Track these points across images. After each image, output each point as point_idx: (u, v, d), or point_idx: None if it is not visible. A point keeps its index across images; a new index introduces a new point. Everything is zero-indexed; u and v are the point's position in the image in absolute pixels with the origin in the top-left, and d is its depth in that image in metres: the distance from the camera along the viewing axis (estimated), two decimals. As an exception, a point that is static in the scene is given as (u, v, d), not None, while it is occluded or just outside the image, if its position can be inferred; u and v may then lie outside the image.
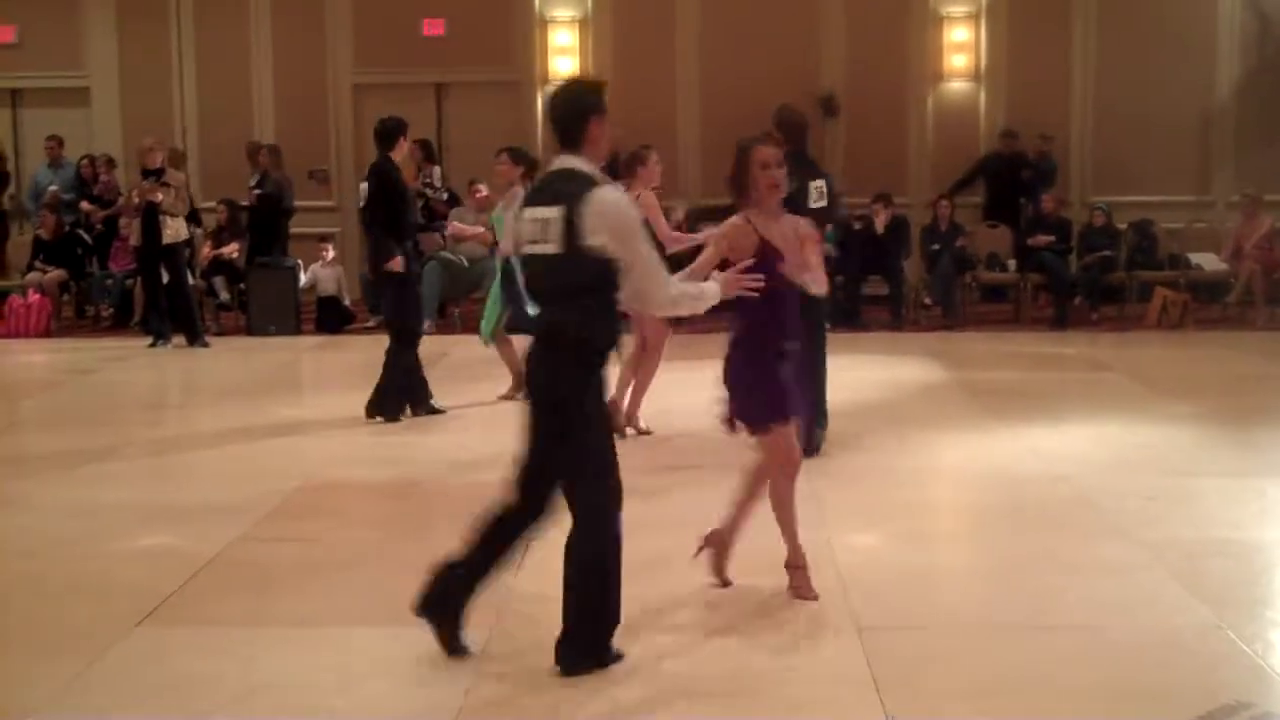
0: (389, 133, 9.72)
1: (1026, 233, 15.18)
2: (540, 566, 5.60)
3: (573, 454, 4.89)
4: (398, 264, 9.48)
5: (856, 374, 10.73)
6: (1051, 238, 14.82)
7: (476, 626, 5.18)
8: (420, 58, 16.65)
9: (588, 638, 4.92)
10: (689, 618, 5.57)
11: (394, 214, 9.61)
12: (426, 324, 14.06)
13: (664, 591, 5.77)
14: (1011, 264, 15.26)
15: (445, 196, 15.73)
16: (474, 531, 5.08)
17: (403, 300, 9.68)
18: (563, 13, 16.63)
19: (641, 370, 9.05)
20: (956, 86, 16.59)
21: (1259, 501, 7.39)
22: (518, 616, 5.54)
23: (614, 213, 4.77)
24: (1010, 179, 15.98)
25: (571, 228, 4.74)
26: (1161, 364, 12.38)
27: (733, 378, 5.65)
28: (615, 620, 4.96)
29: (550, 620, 5.02)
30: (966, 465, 8.44)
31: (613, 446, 4.98)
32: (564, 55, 16.61)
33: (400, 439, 9.26)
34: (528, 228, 4.91)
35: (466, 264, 14.44)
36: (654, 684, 4.86)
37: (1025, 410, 9.90)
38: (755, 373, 5.61)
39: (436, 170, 16.01)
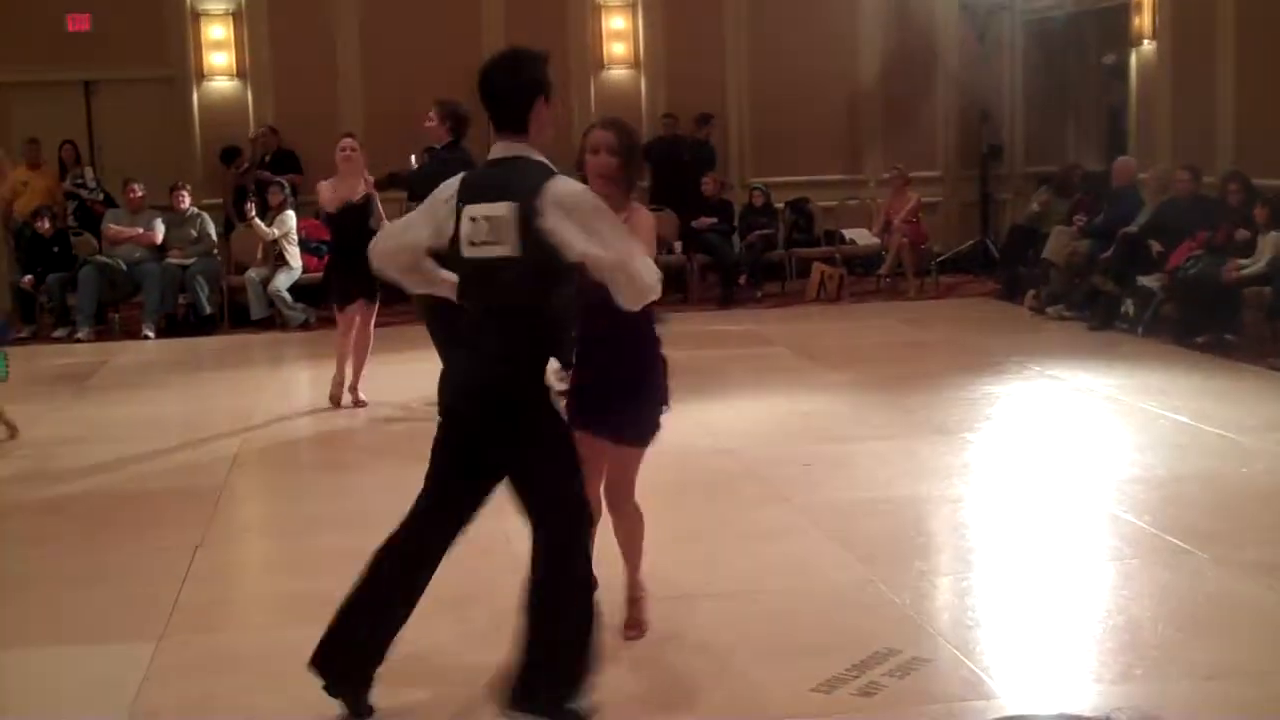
0: None
1: (690, 216, 15.56)
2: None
3: (535, 469, 4.33)
4: None
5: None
6: (714, 219, 15.24)
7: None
8: (66, 54, 15.89)
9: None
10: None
11: None
12: (84, 331, 13.61)
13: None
14: (678, 246, 15.63)
15: (101, 197, 15.14)
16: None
17: None
18: (216, 6, 16.14)
19: (359, 346, 9.73)
20: (617, 74, 16.88)
21: (908, 461, 7.81)
22: (185, 629, 5.41)
23: (576, 202, 4.18)
24: (673, 163, 16.34)
25: (528, 226, 4.14)
26: (821, 336, 12.91)
27: (658, 379, 5.17)
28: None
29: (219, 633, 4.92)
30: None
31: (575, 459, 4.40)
32: (219, 50, 16.11)
33: (57, 450, 8.85)
34: (470, 227, 4.23)
35: (125, 267, 13.91)
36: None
37: (695, 387, 10.09)
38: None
39: (89, 170, 15.37)
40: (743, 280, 15.30)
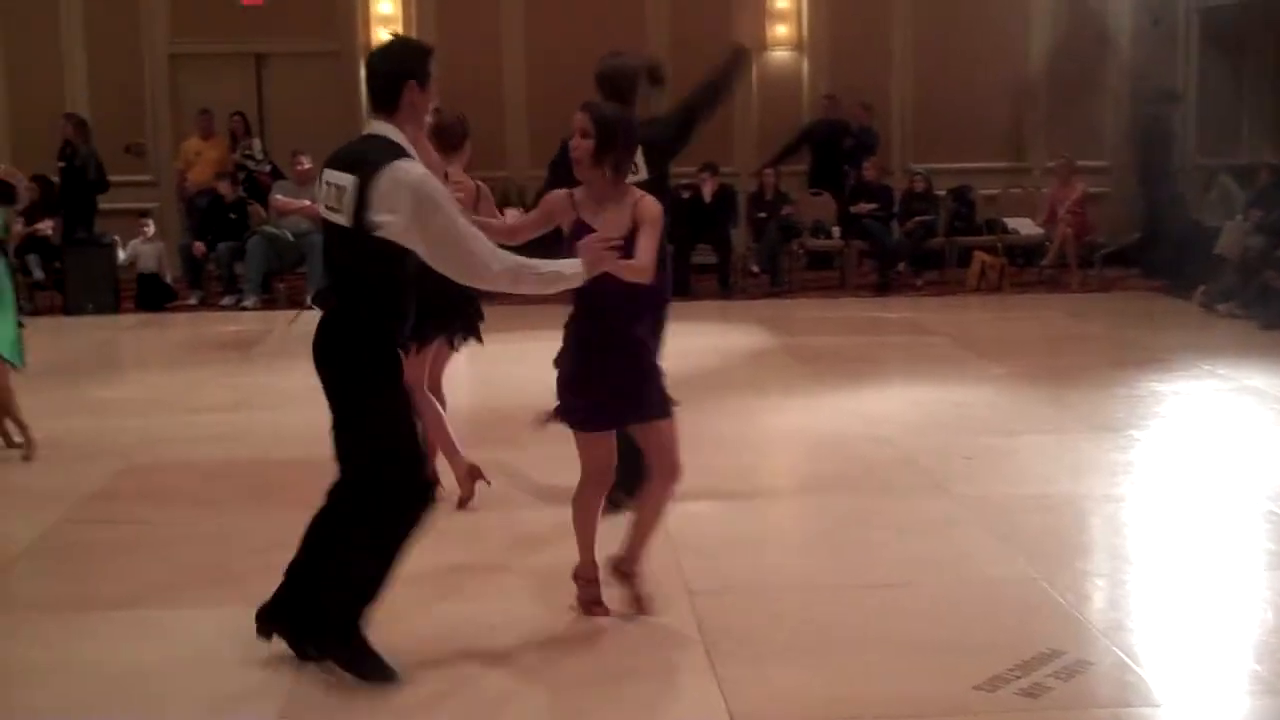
0: None
1: (850, 200, 15.42)
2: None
3: (357, 433, 4.60)
4: None
5: (685, 342, 10.75)
6: (874, 205, 15.08)
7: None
8: (239, 27, 16.26)
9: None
10: (518, 583, 5.59)
11: None
12: (250, 299, 13.94)
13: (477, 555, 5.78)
14: (836, 231, 15.50)
15: (268, 169, 15.47)
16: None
17: None
18: (385, -19, 16.39)
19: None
20: (780, 56, 16.77)
21: (1071, 457, 7.64)
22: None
23: (410, 188, 4.33)
24: (834, 147, 16.21)
25: (362, 200, 4.35)
26: (980, 326, 12.71)
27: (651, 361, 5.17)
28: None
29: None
30: (793, 429, 8.58)
31: (407, 437, 4.58)
32: (387, 24, 16.36)
33: (224, 417, 9.09)
34: (324, 191, 4.55)
35: (291, 238, 14.20)
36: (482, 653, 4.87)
37: (850, 374, 10.09)
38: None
39: (257, 143, 15.72)
40: (901, 267, 15.12)
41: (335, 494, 4.71)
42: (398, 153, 4.42)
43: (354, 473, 4.63)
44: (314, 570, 4.69)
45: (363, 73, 15.89)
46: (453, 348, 6.69)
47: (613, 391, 4.98)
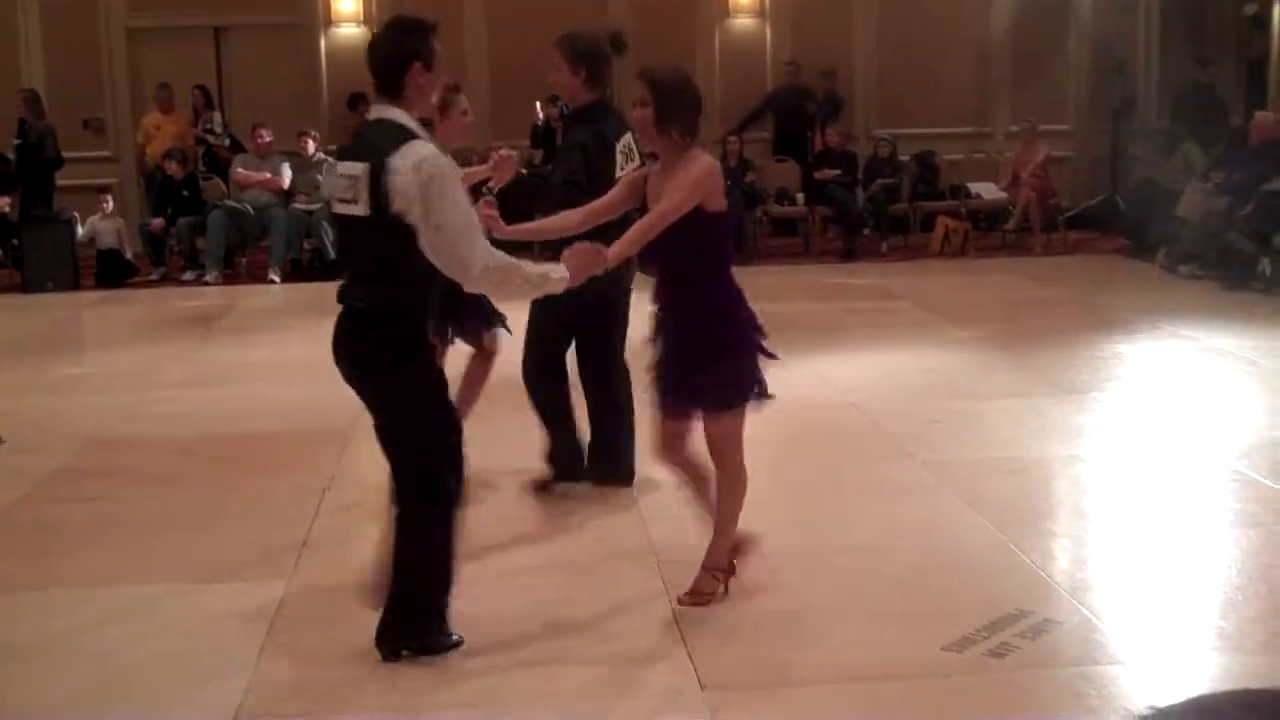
0: None
1: (814, 167, 15.41)
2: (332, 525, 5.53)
3: (394, 426, 4.53)
4: None
5: (645, 310, 10.80)
6: (837, 171, 15.06)
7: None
8: (198, 0, 16.10)
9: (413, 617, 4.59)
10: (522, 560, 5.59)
11: None
12: (212, 274, 13.84)
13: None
14: (800, 198, 15.49)
15: (228, 142, 15.34)
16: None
17: None
18: (344, -48, 16.24)
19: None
20: (742, 23, 16.73)
21: (1037, 420, 7.67)
22: (315, 569, 5.49)
23: (424, 170, 4.20)
24: (797, 114, 16.19)
25: (378, 187, 4.22)
26: (945, 291, 12.72)
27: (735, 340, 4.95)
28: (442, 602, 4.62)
29: (349, 572, 4.96)
30: (760, 396, 8.57)
31: (447, 430, 4.52)
32: (347, -2, 16.26)
33: (187, 392, 9.03)
34: (337, 184, 4.41)
35: (252, 211, 14.10)
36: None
37: (817, 340, 10.08)
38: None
39: (217, 116, 15.58)
40: (866, 233, 15.13)
41: (396, 494, 4.59)
42: (407, 136, 4.30)
43: (404, 467, 4.54)
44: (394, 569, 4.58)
45: (323, 45, 15.99)
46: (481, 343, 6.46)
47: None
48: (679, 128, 4.76)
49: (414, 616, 4.57)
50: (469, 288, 4.50)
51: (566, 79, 6.13)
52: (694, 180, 4.71)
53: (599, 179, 5.73)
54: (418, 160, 4.20)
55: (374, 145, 4.31)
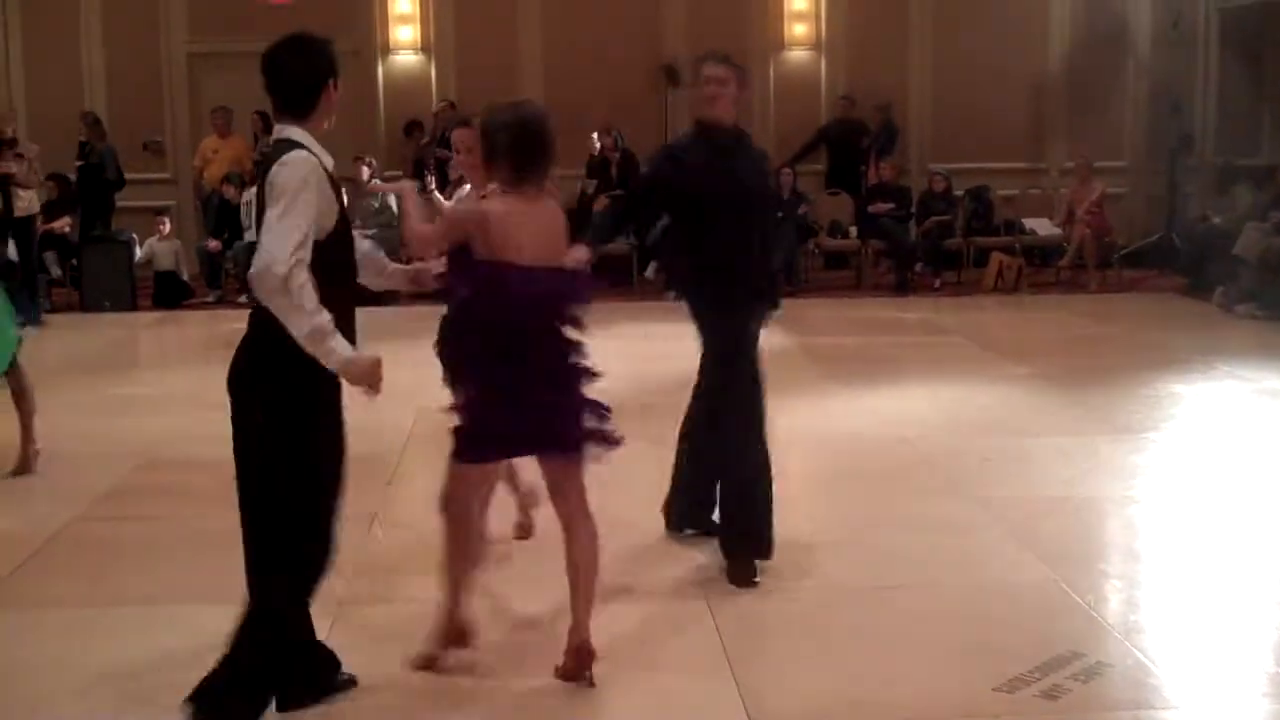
0: None
1: (867, 200, 15.39)
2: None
3: (241, 454, 4.27)
4: None
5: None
6: (891, 205, 15.04)
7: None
8: (258, 25, 16.23)
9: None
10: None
11: None
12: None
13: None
14: (853, 231, 15.47)
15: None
16: None
17: None
18: (403, -20, 16.39)
19: None
20: (798, 55, 16.75)
21: (1091, 459, 7.60)
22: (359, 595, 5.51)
23: (275, 178, 3.99)
24: (851, 147, 16.19)
25: (261, 209, 4.04)
26: (998, 327, 12.67)
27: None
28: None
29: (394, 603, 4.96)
30: (810, 429, 8.53)
31: (308, 484, 4.24)
32: (405, 24, 16.40)
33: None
34: (244, 211, 4.23)
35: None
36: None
37: (867, 374, 10.07)
38: None
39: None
40: (919, 268, 15.09)
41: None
42: (288, 148, 4.10)
43: (248, 512, 4.35)
44: None
45: (380, 72, 16.12)
46: None
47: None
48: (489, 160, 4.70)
49: (226, 678, 4.23)
50: (258, 290, 4.03)
51: None
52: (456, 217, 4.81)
53: None
54: (284, 160, 4.04)
55: (268, 167, 4.13)
